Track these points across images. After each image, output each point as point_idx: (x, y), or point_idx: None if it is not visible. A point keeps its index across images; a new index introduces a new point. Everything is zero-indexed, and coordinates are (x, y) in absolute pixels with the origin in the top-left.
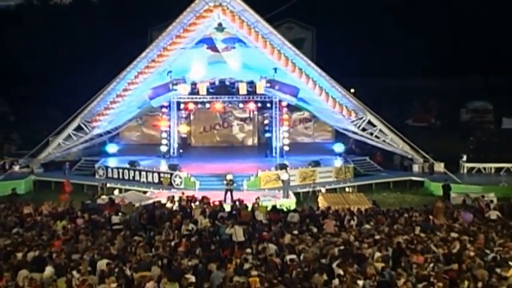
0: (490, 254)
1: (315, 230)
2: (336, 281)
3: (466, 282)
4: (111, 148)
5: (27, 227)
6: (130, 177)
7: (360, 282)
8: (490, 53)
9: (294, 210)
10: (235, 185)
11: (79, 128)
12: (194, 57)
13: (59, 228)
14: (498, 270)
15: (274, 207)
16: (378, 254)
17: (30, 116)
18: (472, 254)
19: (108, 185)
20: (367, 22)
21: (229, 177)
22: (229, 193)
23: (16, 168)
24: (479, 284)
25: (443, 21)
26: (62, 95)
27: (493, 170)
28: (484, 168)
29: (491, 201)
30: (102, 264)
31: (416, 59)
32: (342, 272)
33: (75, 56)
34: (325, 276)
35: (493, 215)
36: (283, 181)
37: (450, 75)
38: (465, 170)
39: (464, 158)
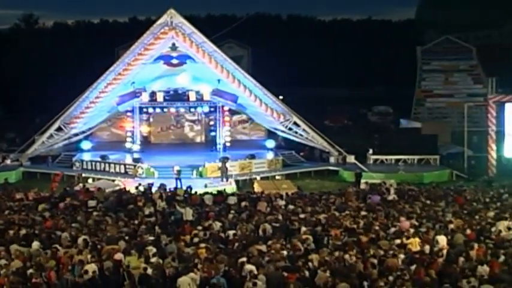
0: (391, 228)
1: (251, 210)
2: (267, 251)
3: (372, 250)
4: (86, 145)
5: (17, 210)
6: (102, 169)
7: (285, 252)
8: (391, 67)
9: (234, 194)
10: (181, 174)
11: (59, 129)
12: (153, 71)
13: (41, 210)
14: (398, 240)
15: (218, 191)
16: (303, 229)
17: (22, 119)
18: (376, 228)
19: (83, 175)
20: (293, 42)
21: (176, 168)
22: (178, 181)
23: (8, 161)
24: (382, 252)
25: (354, 41)
26: (47, 101)
27: (393, 161)
28: (386, 160)
29: (391, 186)
30: (79, 239)
31: (333, 72)
32: (272, 244)
33: (56, 70)
34: (259, 247)
35: (392, 197)
36: (219, 168)
37: (359, 85)
38: (371, 161)
39: (371, 151)
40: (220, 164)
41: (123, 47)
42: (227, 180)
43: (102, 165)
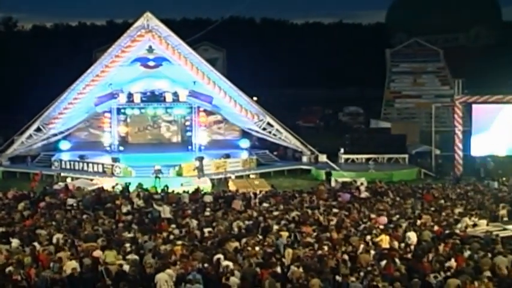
0: (361, 225)
1: (226, 208)
2: (242, 247)
3: (343, 247)
4: (64, 145)
5: None
6: (80, 168)
7: (259, 248)
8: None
9: (210, 193)
10: (162, 174)
11: (38, 129)
12: (130, 72)
13: (21, 209)
14: (368, 237)
15: (194, 190)
16: (276, 227)
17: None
18: (348, 224)
19: (62, 174)
20: (267, 45)
21: (156, 167)
22: (157, 180)
23: None
24: (355, 248)
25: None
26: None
27: (363, 160)
28: (357, 159)
29: (362, 184)
30: (58, 237)
31: (305, 74)
32: (246, 241)
33: (35, 72)
34: (234, 244)
35: (363, 194)
36: (196, 167)
37: (331, 87)
38: (342, 160)
39: (342, 150)
40: (197, 163)
41: (100, 49)
42: (203, 177)
43: (81, 164)
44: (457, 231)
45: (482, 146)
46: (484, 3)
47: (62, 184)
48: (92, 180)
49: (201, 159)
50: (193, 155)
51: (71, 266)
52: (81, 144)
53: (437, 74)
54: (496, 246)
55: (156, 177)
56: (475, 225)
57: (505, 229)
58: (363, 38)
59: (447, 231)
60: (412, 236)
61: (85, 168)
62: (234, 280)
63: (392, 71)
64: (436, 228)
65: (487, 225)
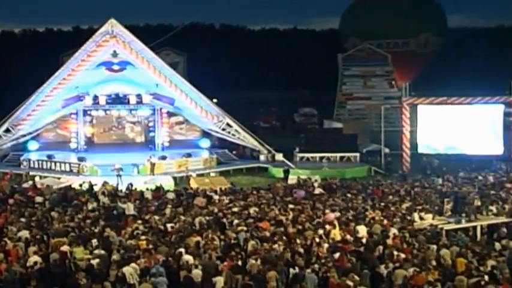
0: (316, 219)
1: (188, 204)
2: (203, 242)
3: (299, 240)
4: (33, 145)
5: None
6: (48, 167)
7: (218, 243)
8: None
9: (172, 190)
10: (122, 171)
11: (7, 130)
12: (95, 76)
13: None
14: (321, 231)
15: (157, 187)
16: (236, 221)
17: None
18: (303, 219)
19: (30, 173)
20: (226, 49)
21: (117, 166)
22: (119, 178)
23: None
24: (309, 242)
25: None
26: None
27: (317, 159)
28: (311, 157)
29: (316, 181)
30: (26, 233)
31: (263, 77)
32: (207, 235)
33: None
34: (196, 238)
35: (317, 191)
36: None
37: (287, 89)
38: (298, 159)
39: (297, 149)
40: (150, 162)
41: (67, 54)
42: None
43: (49, 164)
44: (405, 224)
45: (427, 144)
46: (432, 11)
47: (30, 182)
48: (59, 178)
49: (164, 158)
50: (157, 154)
51: (39, 260)
52: (49, 144)
53: (385, 77)
54: (441, 238)
55: (117, 175)
56: (421, 218)
57: (449, 222)
58: (316, 44)
59: (396, 225)
60: (361, 230)
61: (53, 167)
62: (196, 272)
63: (344, 74)
64: (385, 222)
65: (433, 219)
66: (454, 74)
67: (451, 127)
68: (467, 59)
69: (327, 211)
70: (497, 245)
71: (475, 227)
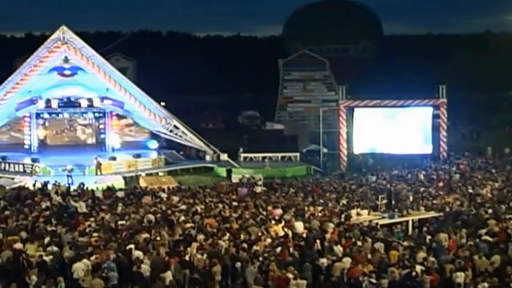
0: (259, 216)
1: (137, 202)
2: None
3: (243, 236)
4: None
5: None
6: (2, 168)
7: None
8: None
9: (122, 189)
10: (73, 172)
11: None
12: (48, 80)
13: None
14: (264, 226)
15: (107, 186)
16: (182, 218)
17: None
18: (247, 216)
19: None
20: (173, 55)
21: (69, 166)
22: (70, 178)
23: None
24: (253, 237)
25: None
26: None
27: (260, 158)
28: (254, 157)
29: (259, 180)
30: None
31: (208, 82)
32: (156, 232)
33: None
34: (145, 235)
35: (259, 189)
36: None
37: (230, 93)
38: (242, 159)
39: (241, 150)
40: (96, 162)
41: (20, 59)
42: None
43: (3, 165)
44: (342, 220)
45: (363, 145)
46: (369, 19)
47: None
48: (13, 179)
49: (113, 159)
50: (107, 155)
51: None
52: (3, 146)
53: (323, 82)
54: (377, 232)
55: (68, 175)
56: (358, 214)
57: (383, 218)
58: (258, 50)
59: (334, 220)
60: (299, 226)
61: (7, 168)
62: (145, 267)
63: (284, 78)
64: (324, 218)
65: (368, 214)
66: (387, 78)
67: (384, 128)
68: (400, 65)
69: (269, 208)
70: (427, 238)
71: (407, 222)
